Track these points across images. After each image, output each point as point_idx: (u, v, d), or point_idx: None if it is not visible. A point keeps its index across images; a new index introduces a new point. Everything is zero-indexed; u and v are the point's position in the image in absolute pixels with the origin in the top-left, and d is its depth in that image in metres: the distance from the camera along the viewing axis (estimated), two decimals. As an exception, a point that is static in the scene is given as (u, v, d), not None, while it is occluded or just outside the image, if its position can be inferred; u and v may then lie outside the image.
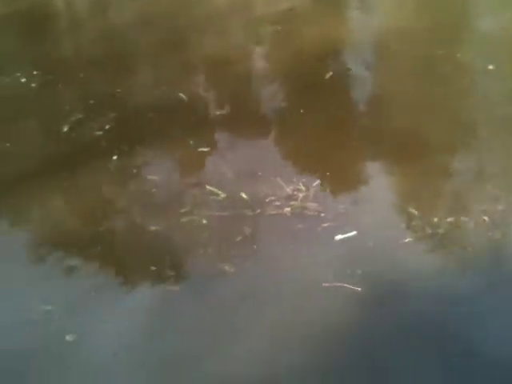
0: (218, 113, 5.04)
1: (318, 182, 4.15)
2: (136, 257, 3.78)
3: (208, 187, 4.16)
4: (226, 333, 3.23)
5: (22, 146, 4.77)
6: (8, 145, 4.79)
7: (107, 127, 4.84)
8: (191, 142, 4.66)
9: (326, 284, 3.43)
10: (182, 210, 3.98)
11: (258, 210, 3.94)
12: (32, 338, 3.26)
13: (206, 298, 3.42)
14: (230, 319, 3.30)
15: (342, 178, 4.28)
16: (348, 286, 3.42)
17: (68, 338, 3.24)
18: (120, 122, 4.91)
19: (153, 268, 3.63)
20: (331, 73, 5.40)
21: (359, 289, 3.39)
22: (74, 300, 3.45)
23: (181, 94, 5.25)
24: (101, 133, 4.79)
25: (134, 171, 4.43)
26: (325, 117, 4.85)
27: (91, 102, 5.20)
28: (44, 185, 4.35)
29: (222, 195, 4.10)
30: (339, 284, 3.43)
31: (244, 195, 4.09)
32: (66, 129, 4.87)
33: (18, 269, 3.74)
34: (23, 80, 5.58)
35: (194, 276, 3.58)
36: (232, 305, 3.37)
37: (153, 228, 3.88)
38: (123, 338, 3.23)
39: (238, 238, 3.76)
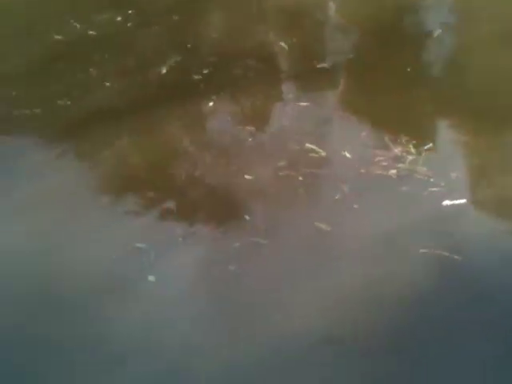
0: (318, 66, 5.07)
1: (429, 145, 4.14)
2: (228, 205, 3.90)
3: (307, 144, 4.23)
4: (305, 291, 3.29)
5: (120, 85, 4.97)
6: (108, 84, 4.99)
7: (206, 72, 4.98)
8: (290, 96, 4.76)
9: (424, 250, 3.45)
10: (279, 164, 4.07)
11: (362, 170, 3.97)
12: (117, 273, 3.46)
13: (296, 254, 3.50)
14: (317, 277, 3.37)
15: (456, 144, 4.25)
16: (447, 254, 3.42)
17: (150, 278, 3.43)
18: (219, 68, 5.04)
19: (246, 217, 3.75)
20: (440, 30, 5.37)
21: (459, 258, 3.39)
22: (164, 242, 3.63)
23: (282, 43, 5.36)
24: (199, 77, 4.94)
25: (230, 119, 4.59)
26: (427, 77, 4.87)
27: (188, 45, 5.37)
28: (141, 125, 4.53)
29: (323, 153, 4.15)
30: (438, 251, 3.43)
31: (347, 154, 4.13)
32: (164, 71, 5.05)
33: (116, 205, 3.93)
34: (119, 19, 5.79)
35: (286, 231, 3.66)
36: (322, 263, 3.43)
37: (247, 177, 4.01)
38: (202, 284, 3.38)
39: (337, 197, 3.82)
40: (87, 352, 3.05)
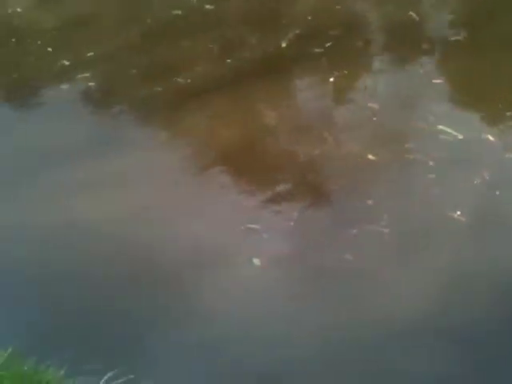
0: (452, 38, 4.74)
1: None
2: (349, 187, 3.63)
3: (440, 126, 3.88)
4: (426, 284, 3.00)
5: (238, 61, 4.83)
6: (229, 61, 4.86)
7: (328, 45, 4.78)
8: (421, 71, 4.43)
9: None
10: (406, 146, 3.77)
11: (507, 155, 3.60)
12: (224, 251, 3.31)
13: (421, 247, 3.18)
14: (443, 274, 3.04)
15: None
16: None
17: (255, 261, 3.27)
18: (342, 41, 4.83)
19: (368, 202, 3.48)
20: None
21: None
22: (277, 225, 3.44)
23: (411, 13, 5.05)
24: (320, 50, 4.74)
25: (352, 96, 4.34)
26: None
27: (309, 17, 5.19)
28: (259, 102, 4.45)
29: (459, 136, 3.79)
30: None
31: (490, 137, 3.76)
32: (284, 44, 4.90)
33: (234, 184, 3.82)
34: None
35: (411, 221, 3.33)
36: (453, 260, 3.09)
37: (371, 158, 3.73)
38: (312, 273, 3.16)
39: (475, 182, 3.47)
40: (180, 330, 2.93)
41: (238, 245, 3.35)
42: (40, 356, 2.58)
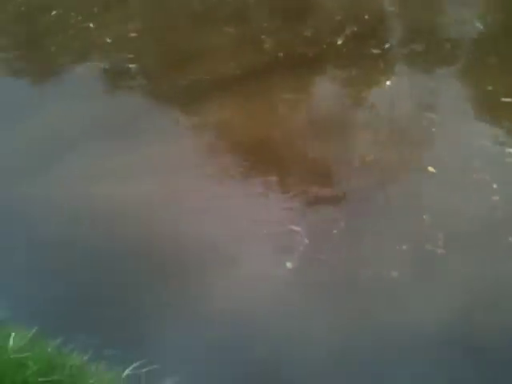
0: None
1: None
2: (403, 198, 3.50)
3: (508, 149, 3.71)
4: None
5: (290, 57, 4.73)
6: (280, 54, 4.79)
7: (386, 46, 4.69)
8: (489, 87, 4.22)
9: None
10: (471, 164, 3.61)
11: None
12: (258, 250, 3.26)
13: (479, 271, 3.04)
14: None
15: None
16: None
17: (288, 264, 3.20)
18: (402, 43, 4.75)
19: (423, 217, 3.31)
20: None
21: None
22: (319, 230, 3.34)
23: (478, 24, 4.90)
24: (378, 51, 4.64)
25: (410, 102, 4.18)
26: None
27: (366, 16, 5.09)
28: (306, 101, 4.38)
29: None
30: None
31: None
32: (339, 42, 4.81)
33: (281, 185, 3.72)
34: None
35: (471, 244, 3.19)
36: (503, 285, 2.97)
37: (431, 170, 3.59)
38: (349, 288, 3.07)
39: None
40: (206, 325, 2.90)
41: (275, 245, 3.28)
42: (64, 339, 2.52)
